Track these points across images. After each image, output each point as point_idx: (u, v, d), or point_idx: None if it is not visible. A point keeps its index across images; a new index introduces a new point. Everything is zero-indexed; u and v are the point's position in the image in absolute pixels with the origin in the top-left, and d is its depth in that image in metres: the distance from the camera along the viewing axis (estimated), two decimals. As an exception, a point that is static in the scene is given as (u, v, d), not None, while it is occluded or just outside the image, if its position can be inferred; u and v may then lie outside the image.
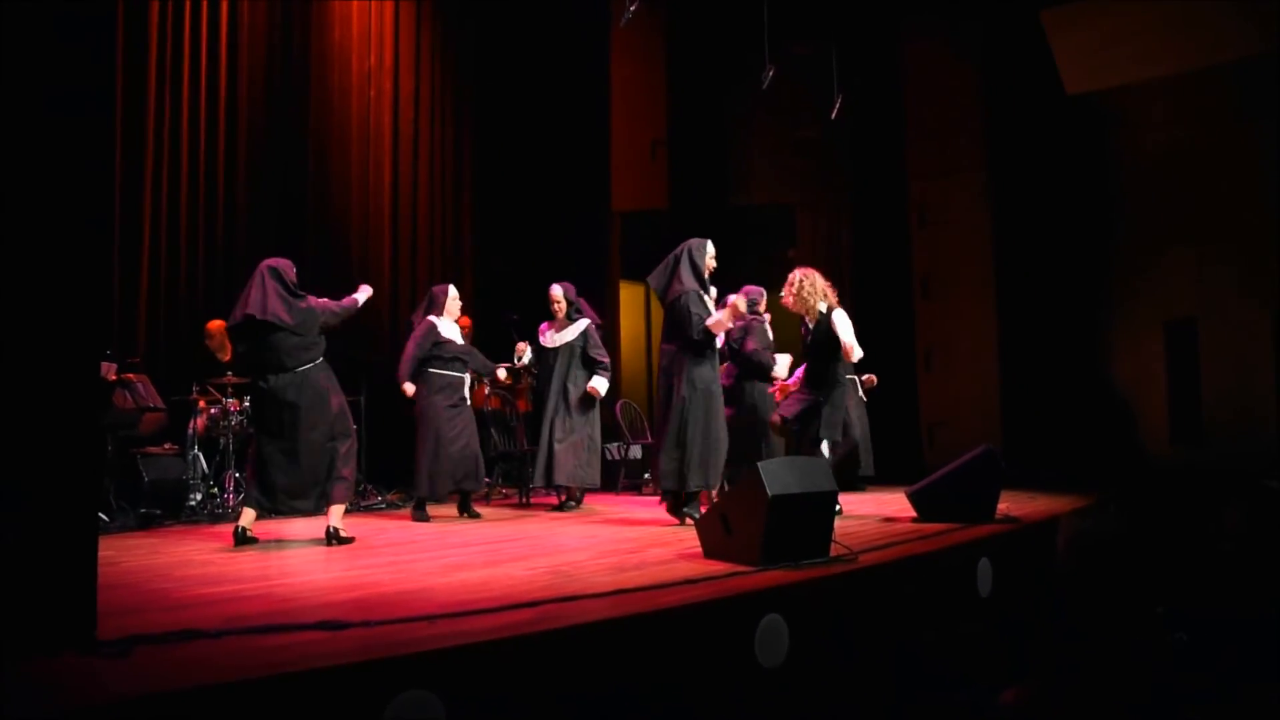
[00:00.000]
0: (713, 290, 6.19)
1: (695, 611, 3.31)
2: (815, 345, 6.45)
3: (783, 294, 6.53)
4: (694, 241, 6.19)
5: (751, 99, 10.49)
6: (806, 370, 6.59)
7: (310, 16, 8.82)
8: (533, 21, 10.55)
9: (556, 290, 7.49)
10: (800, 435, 6.42)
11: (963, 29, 10.39)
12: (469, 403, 6.80)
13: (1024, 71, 9.88)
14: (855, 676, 3.90)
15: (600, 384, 7.37)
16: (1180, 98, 9.46)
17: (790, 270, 6.60)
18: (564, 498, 7.45)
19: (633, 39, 11.01)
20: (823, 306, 6.41)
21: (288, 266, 5.35)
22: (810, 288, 6.41)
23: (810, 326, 6.50)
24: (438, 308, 6.77)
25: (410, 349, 6.63)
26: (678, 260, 6.14)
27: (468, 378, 6.82)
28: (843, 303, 7.80)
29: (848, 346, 6.20)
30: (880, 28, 10.82)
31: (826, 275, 10.43)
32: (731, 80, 11.11)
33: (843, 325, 6.30)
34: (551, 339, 7.48)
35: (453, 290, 6.91)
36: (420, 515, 6.54)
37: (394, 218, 9.49)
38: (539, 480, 7.39)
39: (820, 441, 6.33)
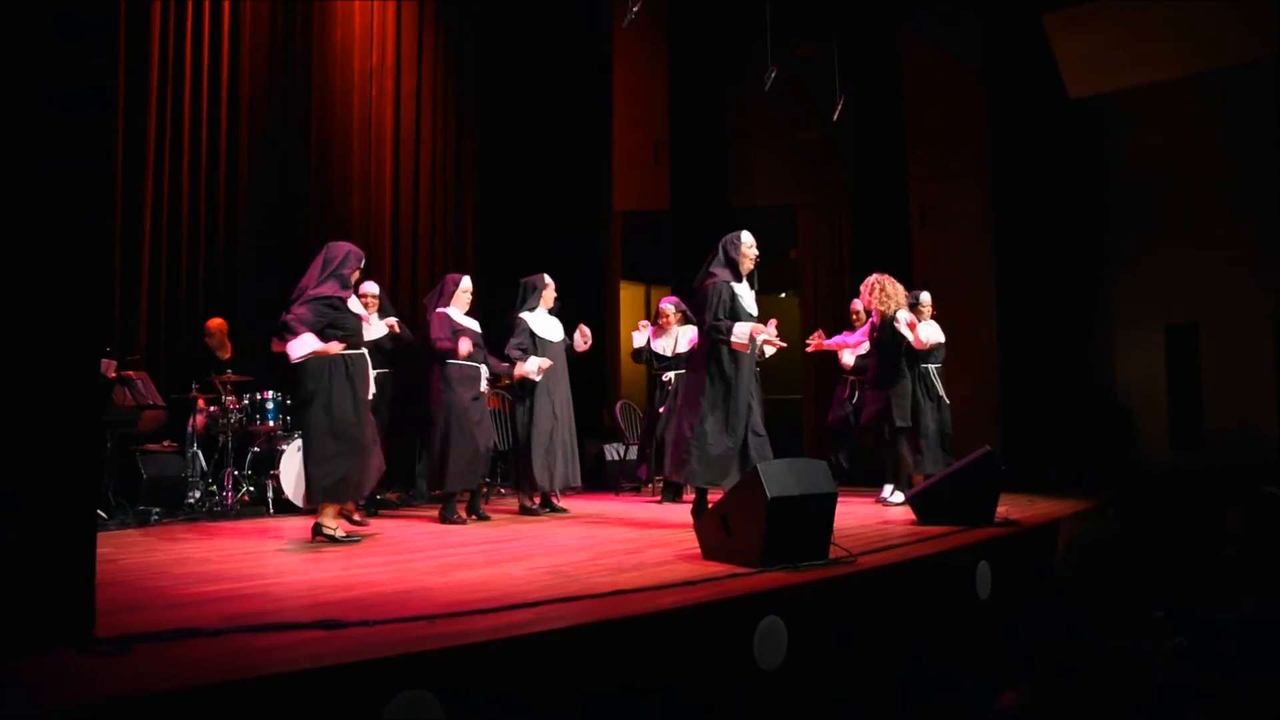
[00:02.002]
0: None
1: (694, 613, 3.31)
2: (881, 344, 7.32)
3: (862, 294, 7.59)
4: (730, 235, 6.14)
5: (753, 100, 10.48)
6: (874, 368, 7.42)
7: (312, 15, 8.82)
8: (535, 22, 10.55)
9: (549, 279, 7.15)
10: (877, 431, 7.37)
11: (964, 31, 10.40)
12: (485, 397, 6.62)
13: (1025, 74, 9.88)
14: (854, 679, 3.90)
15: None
16: (1182, 102, 9.46)
17: (866, 275, 7.58)
18: (537, 500, 7.13)
19: (635, 40, 11.01)
20: (892, 309, 7.30)
21: (326, 251, 5.39)
22: (886, 291, 7.31)
23: (880, 327, 7.36)
24: (446, 297, 6.61)
25: (434, 334, 6.39)
26: (713, 253, 6.15)
27: (484, 369, 6.64)
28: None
29: (922, 342, 7.23)
30: (882, 30, 10.82)
31: (827, 276, 10.56)
32: (733, 81, 11.11)
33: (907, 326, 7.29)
34: (552, 332, 7.08)
35: (465, 281, 6.69)
36: (449, 513, 6.33)
37: (395, 217, 9.48)
38: (573, 481, 7.05)
39: (897, 432, 7.24)
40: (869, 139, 10.78)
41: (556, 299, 7.15)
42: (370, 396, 5.56)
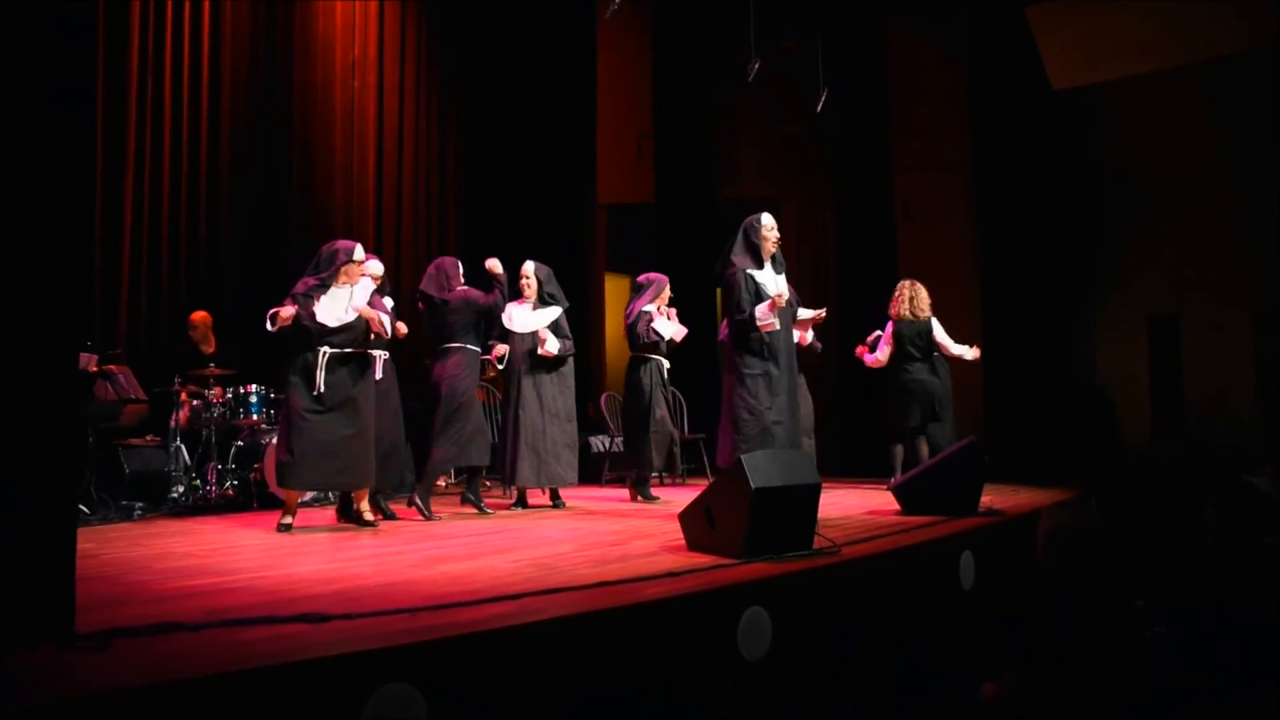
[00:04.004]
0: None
1: (678, 604, 3.31)
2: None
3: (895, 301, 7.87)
4: (750, 218, 6.01)
5: (737, 92, 10.49)
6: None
7: (294, 7, 8.77)
8: (518, 14, 10.51)
9: (529, 267, 6.90)
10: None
11: (949, 24, 10.41)
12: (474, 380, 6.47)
13: (1009, 67, 9.90)
14: (838, 669, 3.91)
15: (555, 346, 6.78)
16: (1165, 94, 9.49)
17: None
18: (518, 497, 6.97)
19: (619, 32, 10.99)
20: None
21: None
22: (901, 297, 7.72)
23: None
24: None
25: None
26: (733, 238, 6.00)
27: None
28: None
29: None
30: (866, 22, 10.83)
31: (811, 268, 10.63)
32: (718, 73, 11.10)
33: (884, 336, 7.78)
34: (523, 322, 6.80)
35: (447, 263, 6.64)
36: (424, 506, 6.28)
37: (378, 210, 9.45)
38: (528, 479, 6.75)
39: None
40: (854, 131, 10.79)
41: (542, 290, 6.94)
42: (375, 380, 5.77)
